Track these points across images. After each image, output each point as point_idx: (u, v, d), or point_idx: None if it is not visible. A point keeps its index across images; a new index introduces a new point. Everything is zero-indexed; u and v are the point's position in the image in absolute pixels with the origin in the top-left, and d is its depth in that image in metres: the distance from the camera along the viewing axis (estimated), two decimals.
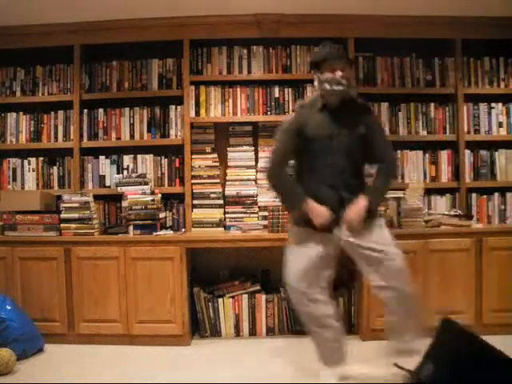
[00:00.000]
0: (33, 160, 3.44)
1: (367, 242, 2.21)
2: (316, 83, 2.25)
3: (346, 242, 2.23)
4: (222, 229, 3.33)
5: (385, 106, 3.40)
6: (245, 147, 3.39)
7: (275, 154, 2.29)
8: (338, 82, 2.16)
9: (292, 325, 3.17)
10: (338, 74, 2.16)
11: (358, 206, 2.16)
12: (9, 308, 2.78)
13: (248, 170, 3.38)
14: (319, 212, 2.16)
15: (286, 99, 3.38)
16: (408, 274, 2.26)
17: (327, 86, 2.17)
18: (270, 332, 3.17)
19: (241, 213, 3.34)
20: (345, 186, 2.20)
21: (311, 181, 2.24)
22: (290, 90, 3.38)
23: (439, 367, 1.30)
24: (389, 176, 2.29)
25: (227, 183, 3.37)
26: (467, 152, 3.38)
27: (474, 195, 3.38)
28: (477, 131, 3.41)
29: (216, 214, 3.34)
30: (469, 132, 3.39)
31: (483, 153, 3.40)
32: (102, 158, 3.42)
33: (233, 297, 3.16)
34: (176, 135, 3.39)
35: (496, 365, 1.29)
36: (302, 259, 2.21)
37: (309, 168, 2.26)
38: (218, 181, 3.37)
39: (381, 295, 2.25)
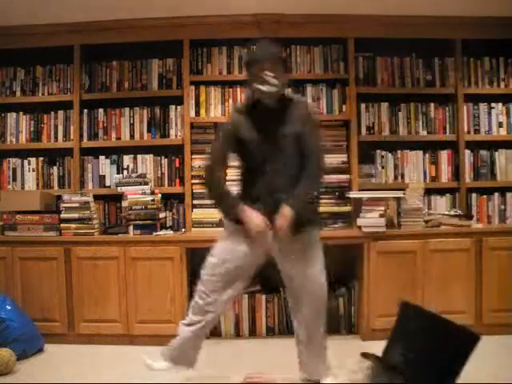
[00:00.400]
0: (33, 160, 3.44)
1: (290, 268, 2.16)
2: (248, 84, 2.18)
3: (274, 252, 2.18)
4: (222, 229, 3.32)
5: (385, 105, 3.40)
6: None
7: (209, 159, 2.24)
8: (268, 83, 2.06)
9: (292, 325, 3.17)
10: (268, 74, 2.06)
11: (283, 216, 2.04)
12: (9, 308, 2.78)
13: None
14: (253, 221, 2.06)
15: None
16: (324, 314, 2.23)
17: (257, 87, 2.08)
18: (270, 332, 3.17)
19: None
20: (282, 188, 2.10)
21: (248, 185, 2.17)
22: (289, 90, 3.37)
23: (405, 348, 1.34)
24: (312, 182, 2.16)
25: (227, 183, 3.36)
26: (467, 152, 3.38)
27: (474, 195, 3.38)
28: (477, 131, 3.41)
29: (216, 214, 3.32)
30: (469, 132, 3.39)
31: (483, 153, 3.40)
32: (102, 157, 3.42)
33: None
34: (176, 135, 3.39)
35: (458, 336, 1.45)
36: (226, 256, 2.15)
37: (246, 171, 2.20)
38: None
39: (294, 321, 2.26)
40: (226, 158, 2.22)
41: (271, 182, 2.10)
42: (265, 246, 2.14)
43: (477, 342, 1.38)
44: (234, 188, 2.26)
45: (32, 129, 3.44)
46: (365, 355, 1.50)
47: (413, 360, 1.31)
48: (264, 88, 2.07)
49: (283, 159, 2.12)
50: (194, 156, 3.34)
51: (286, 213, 2.04)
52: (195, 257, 3.27)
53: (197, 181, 3.34)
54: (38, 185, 3.43)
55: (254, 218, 2.07)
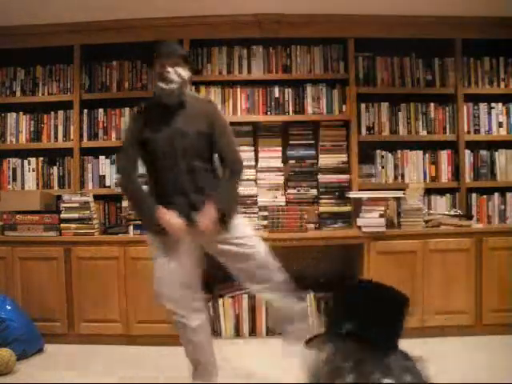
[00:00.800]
0: (33, 160, 3.43)
1: (228, 244, 2.16)
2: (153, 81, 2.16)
3: (207, 246, 2.19)
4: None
5: (385, 105, 3.40)
6: (245, 147, 3.37)
7: (118, 163, 2.21)
8: (168, 79, 2.04)
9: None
10: (169, 69, 2.04)
11: (208, 213, 2.06)
12: (9, 308, 2.78)
13: (248, 169, 3.36)
14: (172, 223, 2.05)
15: (286, 99, 3.38)
16: (274, 261, 2.24)
17: (158, 83, 2.07)
18: (270, 332, 3.16)
19: (241, 213, 3.33)
20: (195, 188, 2.10)
21: (160, 187, 2.13)
22: (289, 90, 3.38)
23: (348, 318, 1.39)
24: (234, 177, 2.18)
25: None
26: (467, 152, 3.38)
27: (474, 195, 3.38)
28: (477, 131, 3.41)
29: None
30: (469, 132, 3.39)
31: (483, 153, 3.40)
32: (102, 158, 3.41)
33: (233, 297, 3.16)
34: None
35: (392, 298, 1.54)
36: (166, 270, 2.12)
37: (157, 174, 2.15)
38: None
39: (260, 297, 2.26)
40: (135, 162, 2.16)
41: (181, 182, 2.09)
42: (193, 245, 2.14)
43: (407, 301, 1.53)
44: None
45: (32, 129, 3.44)
46: (308, 342, 1.50)
47: (359, 325, 1.37)
48: (163, 85, 2.06)
49: (193, 158, 2.10)
50: None
51: (209, 212, 2.05)
52: None
53: None
54: (38, 185, 3.42)
55: (172, 221, 2.05)
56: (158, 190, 2.15)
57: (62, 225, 3.08)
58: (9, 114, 3.44)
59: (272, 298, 2.27)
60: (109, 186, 3.38)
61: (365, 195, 3.14)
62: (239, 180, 2.28)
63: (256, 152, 3.40)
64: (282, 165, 3.38)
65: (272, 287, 2.22)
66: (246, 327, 3.16)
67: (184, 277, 2.13)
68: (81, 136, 3.39)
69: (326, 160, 3.36)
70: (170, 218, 2.06)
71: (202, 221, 2.07)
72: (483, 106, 3.40)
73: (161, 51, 2.12)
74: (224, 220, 2.11)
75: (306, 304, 2.26)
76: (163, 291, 2.15)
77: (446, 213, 3.26)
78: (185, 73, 2.10)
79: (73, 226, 3.09)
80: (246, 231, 2.24)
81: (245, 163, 3.28)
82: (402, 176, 3.40)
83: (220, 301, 3.15)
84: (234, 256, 2.18)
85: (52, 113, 3.42)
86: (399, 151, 3.40)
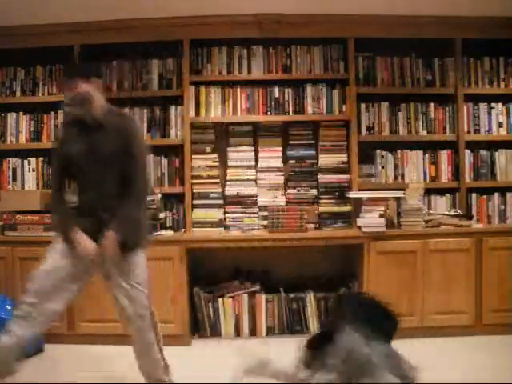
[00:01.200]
0: (33, 160, 3.43)
1: (117, 286, 2.13)
2: None
3: (105, 272, 2.16)
4: (222, 229, 3.33)
5: (385, 105, 3.40)
6: (245, 147, 3.39)
7: (52, 179, 2.21)
8: (70, 101, 2.05)
9: (292, 325, 3.18)
10: (72, 92, 2.05)
11: (108, 241, 2.03)
12: (9, 308, 2.78)
13: (248, 170, 3.38)
14: (84, 246, 2.04)
15: (286, 99, 3.38)
16: (148, 327, 2.21)
17: (65, 105, 2.09)
18: (270, 332, 3.17)
19: (241, 213, 3.34)
20: (105, 207, 2.07)
21: (79, 203, 2.15)
22: (289, 90, 3.38)
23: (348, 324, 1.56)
24: (136, 202, 2.10)
25: (227, 183, 3.37)
26: (467, 152, 3.38)
27: (474, 195, 3.38)
28: (477, 131, 3.41)
29: (216, 214, 3.34)
30: (469, 132, 3.39)
31: (483, 153, 3.40)
32: None
33: (233, 297, 3.16)
34: (176, 135, 3.39)
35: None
36: (52, 267, 2.08)
37: (77, 190, 2.17)
38: (217, 181, 3.37)
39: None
40: (63, 177, 2.18)
41: (94, 201, 2.09)
42: (92, 265, 2.12)
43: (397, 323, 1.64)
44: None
45: (32, 129, 3.44)
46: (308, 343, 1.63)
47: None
48: (66, 108, 2.09)
49: (104, 177, 2.08)
50: (194, 156, 3.34)
51: (110, 236, 2.03)
52: (195, 257, 3.28)
53: (197, 181, 3.35)
54: (37, 185, 3.42)
55: (84, 244, 2.05)
56: (77, 205, 2.17)
57: None
58: (9, 113, 3.44)
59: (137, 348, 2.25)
60: None
61: (365, 195, 3.15)
62: (143, 205, 2.22)
63: (256, 152, 3.40)
64: (281, 165, 3.38)
65: (141, 338, 2.21)
66: (245, 327, 3.16)
67: (60, 283, 2.07)
68: None
69: (326, 160, 3.36)
70: (84, 240, 2.05)
71: (104, 244, 2.05)
72: (483, 106, 3.41)
73: (65, 74, 2.12)
74: (125, 245, 2.07)
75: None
76: (36, 282, 2.08)
77: (446, 213, 3.27)
78: (89, 88, 2.08)
79: None
80: (141, 277, 2.16)
81: (245, 163, 3.38)
82: (402, 176, 3.40)
83: (220, 301, 3.15)
84: (119, 302, 2.16)
85: (52, 113, 3.42)
86: (399, 151, 3.40)
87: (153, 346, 2.23)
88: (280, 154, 3.39)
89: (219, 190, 3.36)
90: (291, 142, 3.40)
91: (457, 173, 3.39)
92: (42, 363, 2.73)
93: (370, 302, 1.69)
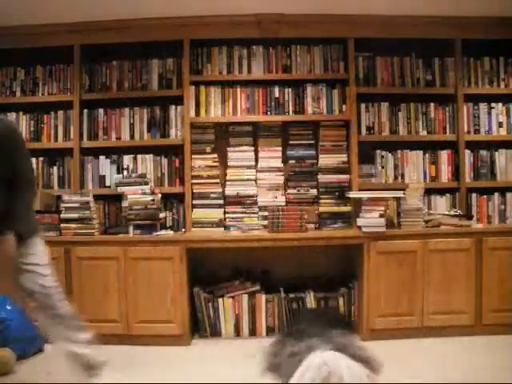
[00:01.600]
0: (33, 160, 3.43)
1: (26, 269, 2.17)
2: None
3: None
4: (222, 229, 3.33)
5: (385, 105, 3.40)
6: (245, 147, 3.39)
7: None
8: None
9: (292, 325, 3.17)
10: None
11: (6, 244, 2.07)
12: (9, 308, 2.78)
13: (248, 170, 3.38)
14: None
15: (286, 99, 3.38)
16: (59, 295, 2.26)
17: None
18: (270, 332, 3.16)
19: (241, 213, 3.34)
20: None
21: None
22: (289, 90, 3.38)
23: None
24: (26, 196, 2.16)
25: (227, 183, 3.37)
26: (467, 152, 3.38)
27: (473, 195, 3.38)
28: (477, 131, 3.41)
29: (216, 214, 3.34)
30: (469, 132, 3.39)
31: (483, 153, 3.40)
32: (102, 157, 3.41)
33: (233, 297, 3.16)
34: (176, 135, 3.39)
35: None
36: None
37: None
38: (217, 181, 3.37)
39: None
40: None
41: None
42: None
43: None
44: None
45: (32, 129, 3.44)
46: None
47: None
48: None
49: None
50: (193, 156, 3.34)
51: (8, 240, 2.06)
52: (195, 257, 3.28)
53: (197, 181, 3.35)
54: (37, 185, 3.42)
55: None
56: None
57: (61, 225, 3.08)
58: (9, 114, 3.43)
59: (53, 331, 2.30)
60: (109, 186, 3.38)
61: (365, 195, 3.14)
62: (33, 196, 2.27)
63: (256, 152, 3.40)
64: (281, 165, 3.38)
65: (55, 315, 2.25)
66: (246, 327, 3.16)
67: None
68: (81, 136, 3.39)
69: (326, 160, 3.36)
70: None
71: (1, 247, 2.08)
72: (483, 106, 3.41)
73: None
74: (21, 237, 2.11)
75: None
76: None
77: (446, 213, 3.27)
78: None
79: (73, 226, 3.09)
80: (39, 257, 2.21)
81: (245, 163, 3.37)
82: (402, 176, 3.40)
83: (220, 301, 3.15)
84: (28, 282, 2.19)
85: (52, 113, 3.42)
86: (399, 151, 3.40)
87: (60, 310, 2.29)
88: (280, 154, 3.39)
89: (219, 189, 3.36)
90: (291, 142, 3.40)
91: (457, 173, 3.39)
92: (41, 363, 2.73)
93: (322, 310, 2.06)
